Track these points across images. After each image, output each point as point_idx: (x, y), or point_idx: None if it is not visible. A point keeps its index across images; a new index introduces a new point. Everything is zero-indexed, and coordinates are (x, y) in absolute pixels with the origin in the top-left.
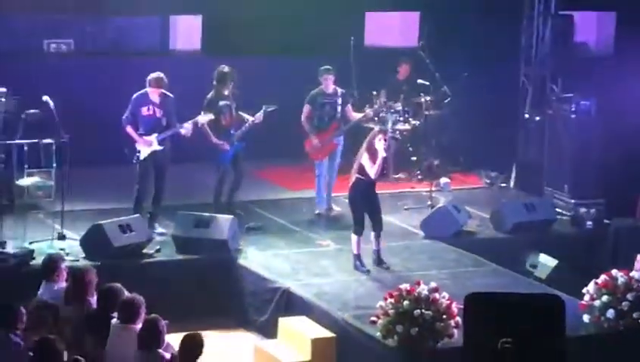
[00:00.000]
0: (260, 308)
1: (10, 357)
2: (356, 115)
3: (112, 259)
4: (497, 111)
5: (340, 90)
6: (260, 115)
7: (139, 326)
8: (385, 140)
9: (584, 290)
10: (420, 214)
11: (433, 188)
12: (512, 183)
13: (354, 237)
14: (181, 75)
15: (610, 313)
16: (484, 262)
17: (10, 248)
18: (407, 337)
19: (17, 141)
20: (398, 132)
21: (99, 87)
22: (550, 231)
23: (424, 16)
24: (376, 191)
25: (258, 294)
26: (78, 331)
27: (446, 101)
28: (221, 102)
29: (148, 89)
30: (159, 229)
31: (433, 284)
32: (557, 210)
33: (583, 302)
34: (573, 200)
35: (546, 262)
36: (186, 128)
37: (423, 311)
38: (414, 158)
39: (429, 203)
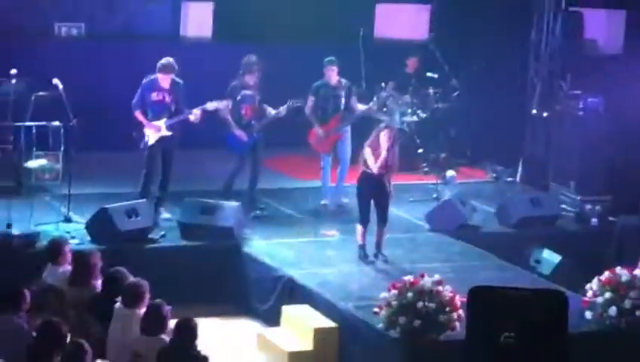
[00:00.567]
0: (264, 295)
1: (14, 338)
2: (361, 107)
3: (117, 243)
4: (505, 105)
5: (344, 82)
6: (283, 109)
7: (143, 310)
8: (390, 137)
9: (587, 287)
10: (425, 207)
11: (439, 181)
12: (518, 178)
13: (359, 227)
14: (191, 61)
15: (613, 310)
16: (489, 255)
17: (16, 230)
18: (409, 329)
19: (26, 123)
20: (405, 124)
21: (109, 71)
22: (555, 227)
23: (435, 9)
24: (387, 185)
25: (262, 282)
26: (81, 314)
27: (454, 94)
28: (244, 92)
29: (158, 74)
30: (165, 215)
31: (437, 277)
32: (562, 206)
33: (585, 299)
34: (579, 197)
35: (551, 257)
36: (195, 114)
37: (427, 303)
38: (421, 151)
39: (435, 195)
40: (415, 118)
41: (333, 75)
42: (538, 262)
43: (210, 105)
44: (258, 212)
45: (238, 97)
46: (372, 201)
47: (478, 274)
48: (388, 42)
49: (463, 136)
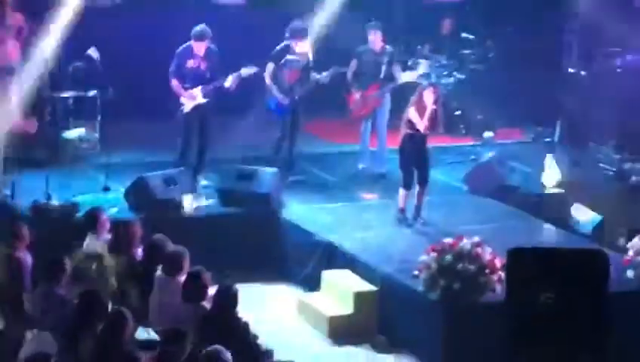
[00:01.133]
0: (303, 261)
1: (55, 308)
2: (404, 77)
3: (155, 211)
4: (543, 65)
5: (388, 48)
6: (326, 75)
7: (183, 278)
8: (434, 93)
9: (628, 245)
10: (463, 168)
11: (477, 143)
12: (556, 138)
13: (401, 191)
14: (226, 28)
15: None
16: (527, 216)
17: (55, 200)
18: (449, 291)
19: (63, 94)
20: (442, 86)
21: (144, 40)
22: (595, 186)
23: None
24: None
25: (301, 247)
26: (122, 283)
27: (490, 55)
28: (289, 56)
29: (192, 42)
30: (203, 182)
31: (476, 239)
32: (601, 165)
33: (627, 258)
34: (618, 156)
35: (591, 217)
36: (230, 81)
37: (466, 265)
38: (458, 112)
39: (473, 157)
40: (451, 80)
41: (376, 41)
42: (578, 221)
43: (245, 72)
44: (297, 176)
45: (282, 61)
46: (415, 164)
47: (517, 235)
48: (424, 4)
49: (500, 97)
